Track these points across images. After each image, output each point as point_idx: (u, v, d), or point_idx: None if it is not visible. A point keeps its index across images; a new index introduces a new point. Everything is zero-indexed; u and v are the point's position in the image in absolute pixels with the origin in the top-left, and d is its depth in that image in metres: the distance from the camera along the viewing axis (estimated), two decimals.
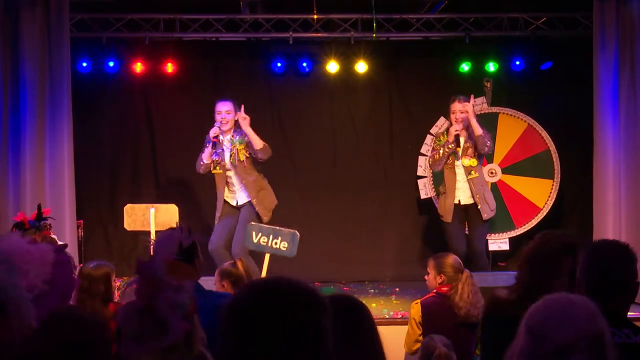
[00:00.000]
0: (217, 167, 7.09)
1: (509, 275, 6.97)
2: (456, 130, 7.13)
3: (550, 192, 8.52)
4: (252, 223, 6.60)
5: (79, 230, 7.65)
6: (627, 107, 7.57)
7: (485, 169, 8.47)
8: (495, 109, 8.66)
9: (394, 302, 7.41)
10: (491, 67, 8.66)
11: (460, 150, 7.20)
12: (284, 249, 6.22)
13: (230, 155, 7.08)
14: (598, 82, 7.67)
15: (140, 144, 8.81)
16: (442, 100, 8.20)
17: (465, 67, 8.64)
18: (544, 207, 8.50)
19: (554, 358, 1.89)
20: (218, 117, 7.04)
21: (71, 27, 7.72)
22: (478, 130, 7.08)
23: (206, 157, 7.05)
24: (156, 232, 6.50)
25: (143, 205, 6.38)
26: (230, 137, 7.08)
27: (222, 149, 7.09)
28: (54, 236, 5.82)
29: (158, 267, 1.94)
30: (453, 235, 7.25)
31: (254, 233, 6.28)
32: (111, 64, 8.33)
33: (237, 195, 7.16)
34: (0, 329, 1.84)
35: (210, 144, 7.02)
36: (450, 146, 7.15)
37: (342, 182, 8.80)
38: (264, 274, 6.08)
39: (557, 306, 1.97)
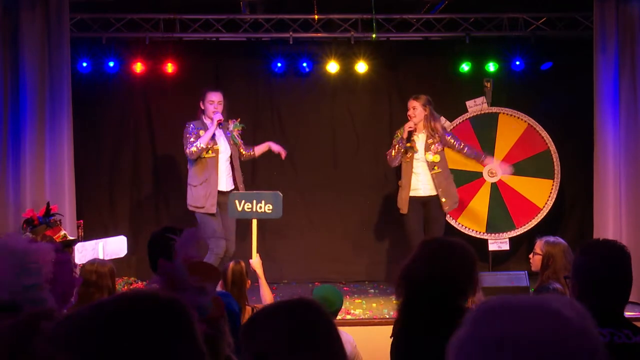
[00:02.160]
0: (210, 151, 7.07)
1: (509, 275, 7.00)
2: (410, 127, 7.21)
3: (551, 192, 8.52)
4: (233, 192, 6.60)
5: (79, 230, 7.64)
6: (627, 107, 7.56)
7: (486, 169, 8.48)
8: (495, 109, 8.66)
9: (394, 302, 7.38)
10: (491, 67, 8.66)
11: (415, 146, 7.26)
12: (269, 211, 6.22)
13: (233, 138, 7.21)
14: (598, 82, 7.67)
15: (140, 144, 8.81)
16: (443, 100, 8.21)
17: (465, 67, 8.64)
18: (544, 207, 8.50)
19: None
20: (211, 107, 7.08)
21: (71, 27, 7.72)
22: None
23: (205, 141, 6.98)
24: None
25: (93, 242, 6.38)
26: (231, 120, 7.27)
27: (215, 135, 7.12)
28: (64, 231, 5.85)
29: (179, 268, 1.93)
30: (414, 229, 7.24)
31: (236, 202, 6.26)
32: (111, 64, 8.33)
33: (227, 180, 7.17)
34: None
35: (212, 129, 6.99)
36: (404, 143, 7.21)
37: (342, 182, 8.80)
38: (254, 241, 6.07)
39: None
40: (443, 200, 7.26)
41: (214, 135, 7.06)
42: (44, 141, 7.40)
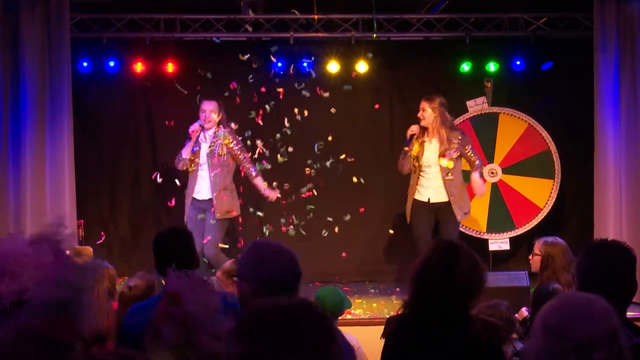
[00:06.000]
0: (192, 165, 7.28)
1: (509, 275, 6.99)
2: (412, 131, 7.15)
3: (551, 192, 8.51)
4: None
5: (79, 230, 7.64)
6: (627, 107, 7.56)
7: (486, 168, 8.47)
8: (495, 109, 8.66)
9: (395, 302, 7.40)
10: (491, 67, 8.66)
11: (415, 152, 7.15)
12: None
13: (210, 146, 7.22)
14: (598, 82, 7.66)
15: (140, 144, 8.81)
16: None
17: (465, 67, 8.64)
18: (544, 207, 8.50)
19: (575, 356, 1.89)
20: (202, 115, 7.26)
21: (71, 27, 7.72)
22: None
23: (186, 152, 7.24)
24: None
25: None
26: (215, 130, 7.27)
27: (199, 147, 7.27)
28: None
29: (191, 310, 1.93)
30: (419, 235, 7.16)
31: None
32: (111, 64, 8.33)
33: (203, 189, 7.26)
34: (60, 328, 1.81)
35: (191, 142, 7.21)
36: (406, 148, 7.18)
37: (342, 182, 8.78)
38: None
39: (575, 304, 1.97)
40: (455, 209, 7.14)
41: (198, 144, 7.25)
42: (44, 141, 7.40)
